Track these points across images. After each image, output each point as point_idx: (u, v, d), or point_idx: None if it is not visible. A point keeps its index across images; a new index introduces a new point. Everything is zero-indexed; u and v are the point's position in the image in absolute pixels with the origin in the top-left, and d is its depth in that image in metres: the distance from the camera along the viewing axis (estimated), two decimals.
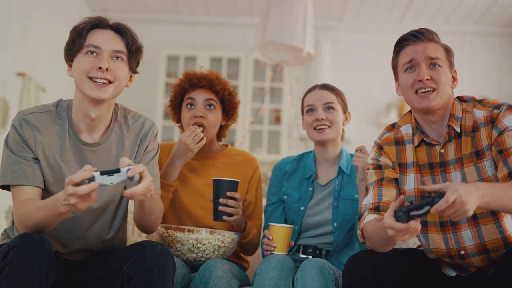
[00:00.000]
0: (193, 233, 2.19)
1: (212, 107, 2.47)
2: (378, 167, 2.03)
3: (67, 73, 1.97)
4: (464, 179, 1.89)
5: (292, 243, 2.26)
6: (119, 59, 1.93)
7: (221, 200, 2.22)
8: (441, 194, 1.57)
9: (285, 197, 2.47)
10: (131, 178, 1.64)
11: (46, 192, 1.91)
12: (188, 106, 2.48)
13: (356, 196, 2.37)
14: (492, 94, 5.95)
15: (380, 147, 2.06)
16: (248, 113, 5.85)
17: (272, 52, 4.61)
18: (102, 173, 1.62)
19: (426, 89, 1.91)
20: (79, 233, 1.98)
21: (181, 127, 2.60)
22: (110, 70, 1.89)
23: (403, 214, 1.58)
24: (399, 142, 2.04)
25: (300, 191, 2.45)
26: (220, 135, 2.60)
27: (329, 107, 2.41)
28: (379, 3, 5.66)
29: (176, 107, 2.56)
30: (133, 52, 1.98)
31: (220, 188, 2.24)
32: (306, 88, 6.22)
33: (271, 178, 2.54)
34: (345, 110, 2.47)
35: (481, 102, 1.95)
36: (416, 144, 1.99)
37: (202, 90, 2.48)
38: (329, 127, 2.39)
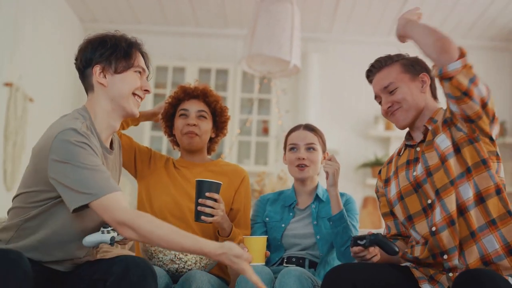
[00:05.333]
0: None
1: (203, 118, 2.58)
2: (377, 198, 2.35)
3: (97, 77, 2.00)
4: (425, 163, 2.08)
5: (268, 253, 2.32)
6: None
7: (199, 200, 2.25)
8: (375, 236, 2.04)
9: (267, 219, 2.61)
10: None
11: None
12: (181, 116, 2.59)
13: None
14: None
15: (379, 172, 2.35)
16: (236, 124, 5.87)
17: (259, 64, 4.62)
18: (118, 233, 1.86)
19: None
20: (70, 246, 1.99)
21: (172, 141, 2.69)
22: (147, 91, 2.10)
23: (353, 241, 2.08)
24: (389, 162, 2.31)
25: (282, 215, 2.60)
26: (209, 148, 2.68)
27: (310, 148, 2.58)
28: (368, 15, 5.70)
29: (169, 119, 2.67)
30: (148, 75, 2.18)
31: (201, 188, 2.26)
32: (293, 100, 6.29)
33: (255, 208, 2.69)
34: (324, 150, 2.65)
35: None
36: (402, 152, 2.23)
37: (196, 101, 2.60)
38: (309, 166, 2.57)
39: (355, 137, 6.05)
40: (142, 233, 1.79)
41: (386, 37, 6.07)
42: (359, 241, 2.08)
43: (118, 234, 1.90)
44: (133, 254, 2.62)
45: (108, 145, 2.08)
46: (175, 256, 2.18)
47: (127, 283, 1.78)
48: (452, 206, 2.00)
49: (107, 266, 1.86)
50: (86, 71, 2.03)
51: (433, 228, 2.03)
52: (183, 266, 2.19)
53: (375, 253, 2.11)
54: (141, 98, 2.08)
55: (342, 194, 2.57)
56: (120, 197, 1.82)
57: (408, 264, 2.16)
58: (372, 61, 2.27)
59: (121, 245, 2.07)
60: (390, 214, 2.29)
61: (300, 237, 2.51)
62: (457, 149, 2.02)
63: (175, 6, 5.68)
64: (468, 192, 1.99)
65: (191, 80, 5.56)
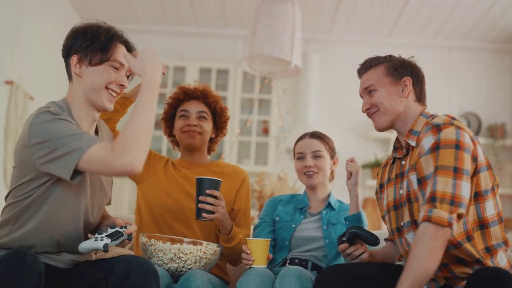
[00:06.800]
0: (175, 243, 2.20)
1: (204, 119, 2.58)
2: (377, 199, 2.31)
3: (73, 67, 2.02)
4: (408, 187, 2.03)
5: (271, 256, 2.32)
6: (128, 77, 2.11)
7: (200, 198, 2.26)
8: (353, 228, 2.11)
9: (277, 218, 2.63)
10: (129, 238, 2.02)
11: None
12: (182, 117, 2.58)
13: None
14: (479, 109, 6.00)
15: (378, 173, 2.31)
16: (236, 124, 5.87)
17: (260, 64, 4.62)
18: (111, 239, 1.94)
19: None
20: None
21: (172, 141, 2.69)
22: (124, 86, 2.07)
23: (338, 240, 2.17)
24: (385, 165, 2.28)
25: (293, 216, 2.62)
26: (209, 148, 2.68)
27: (316, 155, 2.60)
28: (368, 16, 5.70)
29: (169, 120, 2.67)
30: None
31: (202, 186, 2.27)
32: (294, 100, 6.29)
33: (266, 207, 2.70)
34: (332, 156, 2.67)
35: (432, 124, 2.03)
36: (391, 161, 2.21)
37: (195, 102, 2.60)
38: (317, 173, 2.60)
39: (355, 138, 6.05)
40: (135, 144, 1.77)
41: (387, 37, 6.08)
42: (343, 238, 2.13)
43: (112, 240, 1.93)
44: (133, 253, 2.63)
45: (91, 133, 2.06)
46: (175, 255, 2.18)
47: (130, 283, 1.78)
48: None
49: (110, 266, 1.86)
50: (67, 59, 2.05)
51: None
52: (182, 265, 2.19)
53: (362, 250, 2.14)
54: (117, 93, 2.05)
55: None
56: (105, 145, 1.82)
57: (402, 263, 2.15)
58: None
59: (121, 247, 2.07)
60: None
61: (309, 239, 2.53)
62: None
63: (175, 6, 5.68)
64: None
65: (191, 80, 5.57)
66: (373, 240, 2.10)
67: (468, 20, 5.62)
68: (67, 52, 2.05)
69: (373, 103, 2.15)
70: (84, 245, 1.91)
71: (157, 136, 5.86)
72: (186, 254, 2.19)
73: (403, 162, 2.11)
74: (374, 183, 5.79)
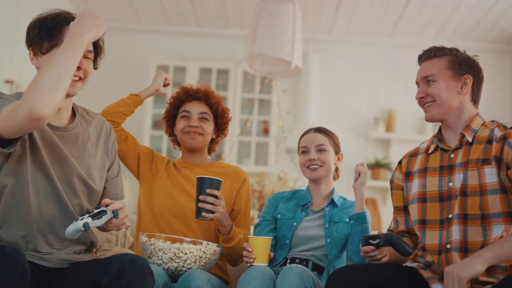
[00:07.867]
0: (175, 243, 2.20)
1: (205, 120, 2.59)
2: (391, 188, 2.31)
3: (31, 59, 1.97)
4: (465, 180, 2.00)
5: (272, 254, 2.32)
6: (88, 58, 2.00)
7: (200, 197, 2.26)
8: (389, 235, 2.05)
9: (279, 216, 2.61)
10: (115, 215, 1.91)
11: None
12: (183, 117, 2.59)
13: (347, 220, 2.53)
14: (479, 109, 5.99)
15: (399, 162, 2.30)
16: (237, 124, 5.87)
17: (260, 65, 4.62)
18: (93, 218, 1.87)
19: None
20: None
21: (173, 141, 2.70)
22: (84, 70, 1.98)
23: (364, 240, 2.10)
24: (412, 155, 2.26)
25: (294, 213, 2.61)
26: (210, 149, 2.69)
27: (321, 149, 2.60)
28: (369, 17, 5.70)
29: (170, 119, 2.68)
30: (98, 52, 2.07)
31: (202, 185, 2.27)
32: (294, 101, 6.28)
33: (267, 203, 2.69)
34: (337, 151, 2.67)
35: (505, 126, 2.08)
36: (430, 151, 2.17)
37: (197, 103, 2.60)
38: (321, 166, 2.59)
39: (355, 138, 6.05)
40: (40, 89, 1.70)
41: (387, 38, 6.07)
42: (371, 241, 2.08)
43: (93, 219, 1.86)
44: (133, 252, 2.63)
45: (64, 123, 2.01)
46: (175, 254, 2.18)
47: (124, 281, 1.76)
48: (475, 237, 1.96)
49: (104, 265, 1.84)
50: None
51: (448, 245, 2.00)
52: (182, 265, 2.20)
53: (385, 254, 2.11)
54: (80, 78, 1.96)
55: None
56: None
57: (414, 265, 2.13)
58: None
59: (117, 230, 2.01)
60: (403, 209, 2.25)
61: (309, 238, 2.52)
62: (504, 190, 1.96)
63: (176, 5, 5.68)
64: (499, 233, 1.94)
65: (191, 80, 5.58)
66: (407, 251, 2.05)
67: (469, 20, 5.62)
68: (27, 46, 2.01)
69: (430, 93, 2.13)
70: (68, 230, 1.86)
71: (157, 136, 5.87)
72: (186, 253, 2.19)
73: (451, 155, 2.09)
74: (373, 183, 5.80)
